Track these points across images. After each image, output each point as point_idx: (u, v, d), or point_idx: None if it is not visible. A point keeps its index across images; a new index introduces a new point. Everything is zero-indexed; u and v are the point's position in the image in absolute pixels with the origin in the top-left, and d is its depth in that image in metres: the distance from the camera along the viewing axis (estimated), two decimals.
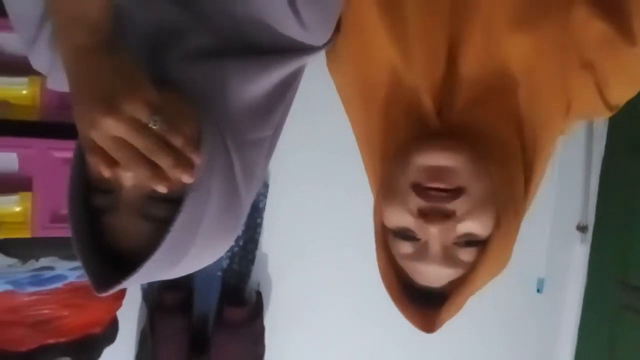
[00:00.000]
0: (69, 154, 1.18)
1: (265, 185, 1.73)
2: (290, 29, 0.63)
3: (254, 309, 1.78)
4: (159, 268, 0.54)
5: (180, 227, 0.52)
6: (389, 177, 0.65)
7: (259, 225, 1.77)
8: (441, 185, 0.60)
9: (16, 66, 1.17)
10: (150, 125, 0.48)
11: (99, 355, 1.47)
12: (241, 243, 1.75)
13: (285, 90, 0.68)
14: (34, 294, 1.26)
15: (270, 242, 1.86)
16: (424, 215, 0.59)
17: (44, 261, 1.19)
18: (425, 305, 0.64)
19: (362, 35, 0.70)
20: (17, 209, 1.15)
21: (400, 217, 0.62)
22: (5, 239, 1.14)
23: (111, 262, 0.54)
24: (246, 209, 0.65)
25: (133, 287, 1.65)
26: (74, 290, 1.31)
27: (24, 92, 1.18)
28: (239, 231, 0.64)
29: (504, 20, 0.64)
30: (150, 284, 1.72)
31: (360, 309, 1.89)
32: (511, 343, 2.15)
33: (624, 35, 0.61)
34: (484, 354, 2.14)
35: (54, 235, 1.18)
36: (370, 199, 0.72)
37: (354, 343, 2.01)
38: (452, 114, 0.66)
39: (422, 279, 0.64)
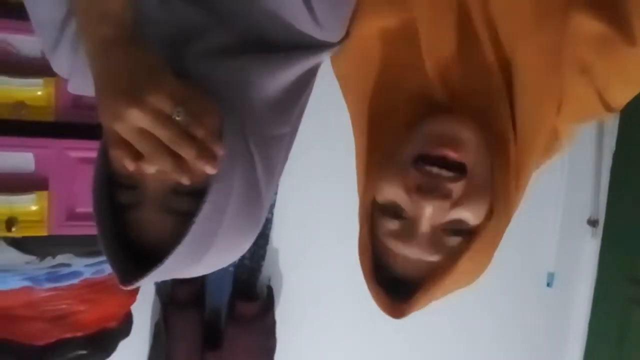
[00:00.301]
0: (84, 154, 1.22)
1: None
2: (306, 25, 0.64)
3: (266, 304, 1.80)
4: (182, 263, 0.54)
5: (204, 218, 0.52)
6: (390, 152, 0.64)
7: (270, 220, 1.79)
8: (451, 153, 0.59)
9: (31, 67, 1.19)
10: (173, 117, 0.48)
11: (114, 348, 1.50)
12: None
13: (303, 87, 0.69)
14: (51, 289, 1.29)
15: (280, 237, 1.88)
16: (421, 190, 0.58)
17: (60, 258, 1.22)
18: (396, 291, 0.63)
19: (363, 20, 0.70)
20: (34, 207, 1.18)
21: (394, 192, 0.61)
22: (23, 237, 1.17)
23: (136, 256, 0.55)
24: (266, 207, 0.65)
25: (147, 283, 1.68)
26: (90, 285, 1.34)
27: (39, 93, 1.20)
28: (259, 229, 0.65)
29: (503, 12, 0.64)
30: (164, 279, 1.75)
31: (370, 303, 1.90)
32: (521, 337, 2.15)
33: (623, 36, 0.60)
34: (494, 348, 2.14)
35: (70, 233, 1.20)
36: None
37: (364, 336, 2.02)
38: (462, 96, 0.67)
39: (400, 262, 0.62)
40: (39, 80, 1.19)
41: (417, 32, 0.67)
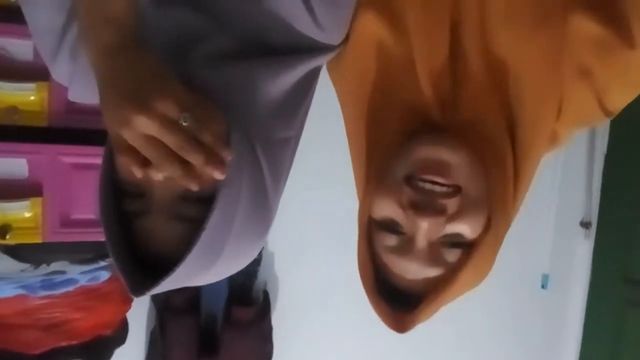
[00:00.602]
0: (78, 159, 1.21)
1: None
2: (307, 28, 0.64)
3: (262, 309, 1.79)
4: (193, 270, 0.54)
5: (214, 225, 0.52)
6: (383, 168, 0.64)
7: None
8: (440, 180, 0.59)
9: (24, 72, 1.18)
10: (180, 123, 0.48)
11: (109, 356, 1.48)
12: None
13: (306, 89, 0.68)
14: (45, 297, 1.27)
15: (276, 241, 1.87)
16: (416, 207, 0.58)
17: (55, 265, 1.20)
18: (399, 305, 0.62)
19: (358, 29, 0.70)
20: (28, 214, 1.16)
21: (389, 208, 0.61)
22: (17, 245, 1.15)
23: (146, 265, 0.54)
24: (274, 212, 0.65)
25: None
26: (85, 293, 1.33)
27: (32, 97, 1.19)
28: (267, 234, 0.64)
29: (502, 17, 0.64)
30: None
31: (367, 308, 1.90)
32: (516, 339, 2.16)
33: (623, 39, 0.60)
34: (489, 350, 2.15)
35: (65, 240, 1.19)
36: None
37: (361, 341, 2.02)
38: (454, 108, 0.66)
39: (401, 276, 0.61)
40: (32, 85, 1.18)
41: (410, 41, 0.67)
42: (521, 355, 2.18)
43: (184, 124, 0.48)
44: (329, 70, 0.77)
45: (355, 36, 0.70)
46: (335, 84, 0.77)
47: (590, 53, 0.62)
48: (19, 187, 1.16)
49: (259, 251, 0.64)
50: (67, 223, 1.19)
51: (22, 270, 1.16)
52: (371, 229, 0.64)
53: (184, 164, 0.49)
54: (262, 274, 1.85)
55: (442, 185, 0.59)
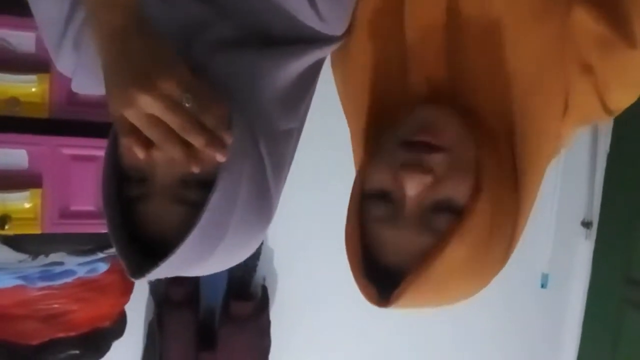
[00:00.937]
0: (78, 151, 1.21)
1: None
2: (309, 19, 0.64)
3: (260, 303, 1.80)
4: (193, 256, 0.54)
5: (214, 208, 0.52)
6: (380, 140, 0.64)
7: None
8: (428, 138, 0.58)
9: (25, 64, 1.18)
10: (183, 104, 0.48)
11: (107, 348, 1.49)
12: None
13: (308, 81, 0.69)
14: (44, 288, 1.28)
15: (275, 236, 1.87)
16: (404, 166, 0.57)
17: (53, 257, 1.21)
18: (387, 287, 0.59)
19: (360, 19, 0.71)
20: (27, 205, 1.17)
21: (381, 176, 0.60)
22: (16, 235, 1.16)
23: (147, 250, 0.55)
24: (275, 204, 0.65)
25: (140, 282, 1.67)
26: (83, 284, 1.33)
27: (33, 89, 1.19)
28: (268, 225, 0.64)
29: (503, 10, 0.64)
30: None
31: (366, 303, 1.90)
32: (515, 338, 2.16)
33: (623, 38, 0.59)
34: (489, 349, 2.15)
35: (64, 231, 1.19)
36: None
37: (359, 336, 2.02)
38: (451, 96, 0.66)
39: (390, 250, 0.59)
40: (33, 77, 1.18)
41: (405, 33, 0.67)
42: (520, 354, 2.18)
43: (186, 105, 0.49)
44: (332, 61, 0.77)
45: (357, 25, 0.70)
46: (336, 73, 0.78)
47: (591, 50, 0.62)
48: (18, 178, 1.17)
49: (259, 243, 0.64)
50: (66, 214, 1.19)
51: (20, 261, 1.17)
52: (362, 205, 0.62)
53: (186, 145, 0.49)
54: (261, 268, 1.86)
55: (431, 146, 0.58)
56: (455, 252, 0.57)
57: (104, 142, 1.30)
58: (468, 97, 0.66)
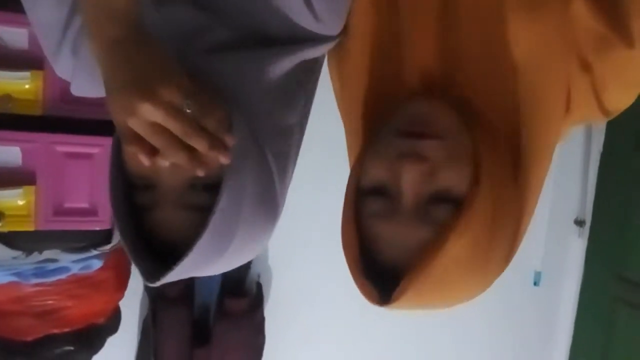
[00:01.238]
0: (72, 148, 1.21)
1: None
2: (305, 20, 0.65)
3: (255, 300, 1.80)
4: (206, 257, 0.55)
5: (223, 210, 0.53)
6: (376, 134, 0.63)
7: None
8: (422, 128, 0.58)
9: (19, 60, 1.18)
10: (184, 110, 0.49)
11: (102, 344, 1.49)
12: None
13: (305, 77, 0.69)
14: (38, 284, 1.28)
15: None
16: (401, 156, 0.56)
17: (47, 253, 1.21)
18: (386, 286, 0.57)
19: (355, 18, 0.70)
20: (21, 202, 1.17)
21: (378, 169, 0.59)
22: (10, 232, 1.16)
23: (160, 254, 0.56)
24: (281, 202, 0.66)
25: (135, 278, 1.67)
26: (77, 281, 1.33)
27: (27, 86, 1.19)
28: (276, 222, 0.65)
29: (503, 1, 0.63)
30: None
31: (360, 300, 1.91)
32: (508, 335, 2.17)
33: (621, 37, 0.59)
34: (481, 345, 2.17)
35: (57, 229, 1.19)
36: None
37: (353, 333, 2.03)
38: (447, 88, 0.66)
39: (389, 245, 0.57)
40: (27, 74, 1.18)
41: (400, 30, 0.68)
42: (512, 351, 2.19)
43: (187, 111, 0.50)
44: (329, 60, 0.77)
45: (352, 24, 0.70)
46: (332, 72, 0.78)
47: (590, 47, 0.61)
48: (12, 175, 1.16)
49: (268, 240, 0.66)
50: (60, 212, 1.19)
51: (14, 258, 1.17)
52: (358, 202, 0.61)
53: (190, 150, 0.50)
54: (256, 265, 1.86)
55: (425, 135, 0.58)
56: (457, 245, 0.54)
57: (97, 140, 1.30)
58: (464, 90, 0.66)
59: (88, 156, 1.22)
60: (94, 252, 1.25)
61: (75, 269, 1.28)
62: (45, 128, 1.19)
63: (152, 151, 0.50)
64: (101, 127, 1.20)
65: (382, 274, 0.58)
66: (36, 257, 1.20)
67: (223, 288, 1.78)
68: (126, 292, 1.51)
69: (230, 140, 0.53)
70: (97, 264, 1.31)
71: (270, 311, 1.86)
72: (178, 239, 0.55)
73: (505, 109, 0.65)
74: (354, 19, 0.71)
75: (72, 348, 1.40)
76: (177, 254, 0.53)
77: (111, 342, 1.52)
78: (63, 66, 0.66)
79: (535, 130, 0.64)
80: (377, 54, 0.71)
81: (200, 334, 1.73)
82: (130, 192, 0.57)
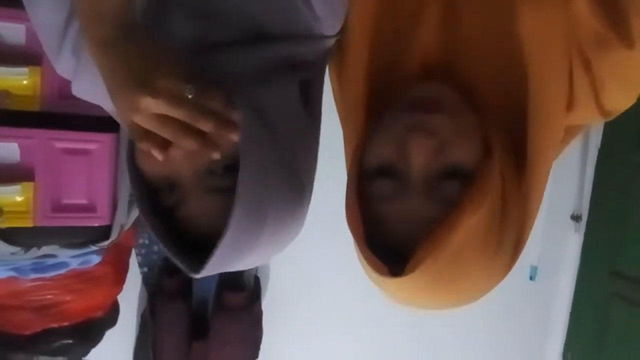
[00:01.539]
0: (70, 145, 1.21)
1: None
2: (304, 18, 0.65)
3: (253, 294, 1.81)
4: (243, 239, 0.55)
5: (248, 184, 0.54)
6: (381, 117, 0.62)
7: None
8: (428, 105, 0.58)
9: (16, 56, 1.17)
10: (185, 95, 0.50)
11: (100, 338, 1.50)
12: None
13: (293, 67, 0.68)
14: (36, 279, 1.29)
15: None
16: (409, 131, 0.55)
17: (45, 249, 1.21)
18: (392, 258, 0.56)
19: (355, 15, 0.71)
20: (19, 198, 1.17)
21: (384, 150, 0.58)
22: (8, 228, 1.16)
23: (199, 246, 0.57)
24: (307, 184, 0.66)
25: (134, 272, 1.68)
26: (76, 276, 1.34)
27: (25, 82, 1.18)
28: (305, 206, 0.66)
29: None
30: (151, 268, 1.75)
31: (358, 294, 1.92)
32: (503, 330, 2.19)
33: (620, 37, 0.58)
34: (475, 339, 2.18)
35: (56, 225, 1.20)
36: None
37: (351, 326, 2.04)
38: (447, 77, 0.66)
39: (398, 223, 0.56)
40: (25, 69, 1.17)
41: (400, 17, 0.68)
42: (508, 345, 2.21)
43: (189, 96, 0.50)
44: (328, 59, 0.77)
45: (353, 14, 0.70)
46: (332, 70, 0.78)
47: (590, 44, 0.61)
48: (10, 171, 1.16)
49: (302, 226, 0.67)
50: (58, 208, 1.19)
51: (12, 253, 1.17)
52: (362, 184, 0.60)
53: (200, 134, 0.51)
54: None
55: (434, 110, 0.57)
56: (472, 218, 0.53)
57: (96, 136, 1.29)
58: (465, 79, 0.65)
59: (86, 152, 1.21)
60: (93, 248, 1.25)
61: (74, 264, 1.28)
62: (43, 124, 1.18)
63: (164, 144, 0.51)
64: (99, 123, 1.20)
65: (390, 252, 0.56)
66: (35, 252, 1.20)
67: (221, 282, 1.79)
68: (125, 286, 1.52)
69: (236, 116, 0.53)
70: (95, 259, 1.31)
71: (268, 305, 1.87)
72: (211, 225, 0.55)
73: (507, 99, 0.64)
74: (354, 9, 0.70)
75: (70, 341, 1.41)
76: (215, 241, 0.54)
77: (110, 335, 1.53)
78: (64, 66, 0.67)
79: (537, 121, 0.63)
80: (378, 44, 0.71)
81: (199, 328, 1.74)
82: (155, 195, 0.58)
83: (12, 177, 1.16)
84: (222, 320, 1.74)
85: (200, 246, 0.56)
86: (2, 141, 1.15)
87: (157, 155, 0.51)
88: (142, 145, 0.51)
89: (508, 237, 0.60)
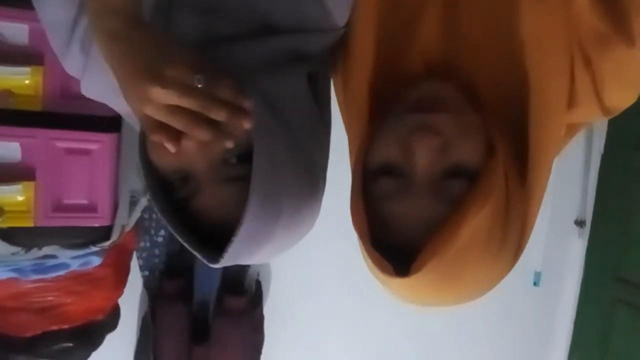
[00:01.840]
0: (72, 144, 1.21)
1: None
2: (310, 10, 0.65)
3: (254, 298, 1.80)
4: (259, 230, 0.54)
5: (262, 173, 0.53)
6: (385, 116, 0.62)
7: None
8: (431, 103, 0.58)
9: (18, 56, 1.17)
10: (195, 85, 0.49)
11: (101, 341, 1.49)
12: None
13: (300, 60, 0.68)
14: (37, 281, 1.28)
15: None
16: (412, 133, 0.55)
17: (46, 250, 1.20)
18: (396, 258, 0.55)
19: (361, 8, 0.70)
20: (20, 198, 1.16)
21: (388, 149, 0.58)
22: (9, 228, 1.15)
23: (216, 237, 0.56)
24: (320, 174, 0.65)
25: (134, 276, 1.67)
26: (76, 278, 1.33)
27: (27, 82, 1.18)
28: (320, 195, 0.65)
29: None
30: (152, 271, 1.74)
31: (359, 299, 1.91)
32: (507, 335, 2.17)
33: (621, 35, 0.58)
34: (480, 345, 2.17)
35: (57, 225, 1.19)
36: None
37: (353, 331, 2.03)
38: (448, 74, 0.66)
39: (402, 222, 0.56)
40: (27, 69, 1.17)
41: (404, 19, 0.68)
42: (511, 351, 2.19)
43: (199, 85, 0.49)
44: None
45: (356, 11, 0.70)
46: (335, 71, 0.77)
47: (591, 42, 0.61)
48: (12, 170, 1.16)
49: (316, 217, 0.66)
50: (59, 207, 1.19)
51: (13, 254, 1.17)
52: (366, 184, 0.60)
53: (212, 123, 0.50)
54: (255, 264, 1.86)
55: (438, 109, 0.57)
56: (477, 218, 0.53)
57: (97, 136, 1.29)
58: (468, 77, 0.65)
59: (88, 152, 1.21)
60: (93, 249, 1.25)
61: (75, 265, 1.27)
62: (45, 124, 1.18)
63: (177, 135, 0.50)
64: (101, 123, 1.20)
65: (395, 252, 0.56)
66: (35, 253, 1.20)
67: (222, 286, 1.78)
68: (125, 289, 1.51)
69: (248, 104, 0.53)
70: (96, 260, 1.30)
71: (270, 309, 1.86)
72: (228, 215, 0.54)
73: (508, 97, 0.64)
74: (356, 8, 0.70)
75: (71, 344, 1.40)
76: (230, 231, 0.54)
77: (110, 339, 1.52)
78: (72, 64, 0.67)
79: (538, 119, 0.63)
80: (380, 45, 0.71)
81: (199, 332, 1.73)
82: (169, 189, 0.58)
83: (14, 176, 1.16)
84: (223, 325, 1.72)
85: (214, 237, 0.56)
86: (3, 140, 1.15)
87: (170, 147, 0.50)
88: (154, 137, 0.51)
89: (511, 234, 0.60)
